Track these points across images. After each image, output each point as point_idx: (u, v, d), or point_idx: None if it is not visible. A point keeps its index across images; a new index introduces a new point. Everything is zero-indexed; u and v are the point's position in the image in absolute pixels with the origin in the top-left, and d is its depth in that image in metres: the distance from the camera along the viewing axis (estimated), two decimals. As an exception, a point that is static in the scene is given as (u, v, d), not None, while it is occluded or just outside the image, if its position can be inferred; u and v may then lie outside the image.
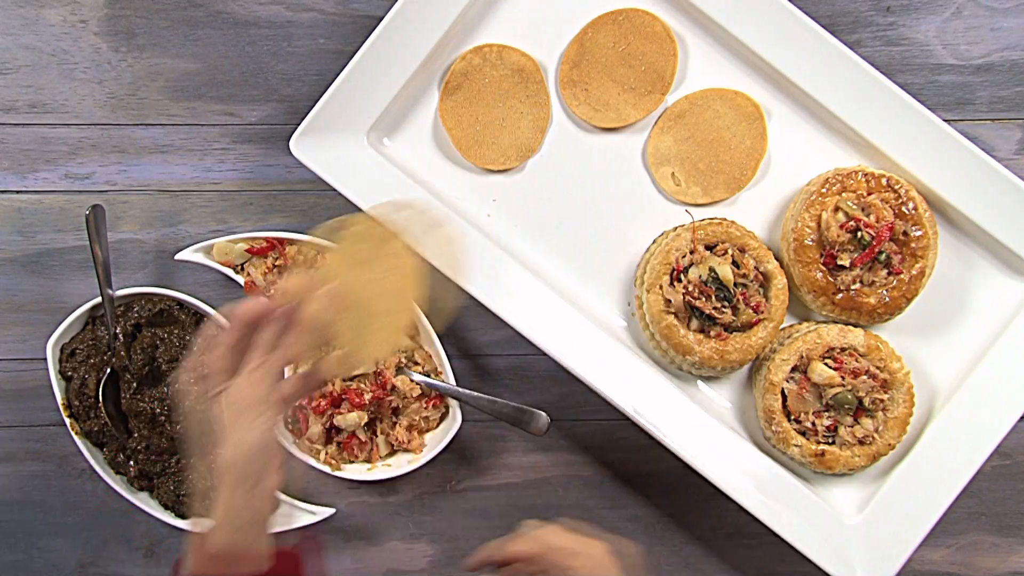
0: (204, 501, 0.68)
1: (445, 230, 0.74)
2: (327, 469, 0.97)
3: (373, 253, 0.73)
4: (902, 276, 0.92)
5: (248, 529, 0.68)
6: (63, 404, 0.97)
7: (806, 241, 0.92)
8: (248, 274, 0.97)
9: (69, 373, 0.97)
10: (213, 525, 0.67)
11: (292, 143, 0.94)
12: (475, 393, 0.95)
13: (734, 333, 0.93)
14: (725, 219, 0.95)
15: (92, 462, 0.96)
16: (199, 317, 0.99)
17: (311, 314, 0.69)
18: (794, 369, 0.93)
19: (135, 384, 0.97)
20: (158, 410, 0.96)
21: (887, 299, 0.93)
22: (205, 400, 0.68)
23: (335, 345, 0.72)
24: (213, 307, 0.97)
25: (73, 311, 0.96)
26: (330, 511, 0.98)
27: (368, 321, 0.71)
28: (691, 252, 0.93)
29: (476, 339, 1.02)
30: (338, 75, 0.93)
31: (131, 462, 0.97)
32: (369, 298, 0.72)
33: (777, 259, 0.95)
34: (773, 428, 0.93)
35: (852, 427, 0.92)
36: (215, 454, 0.67)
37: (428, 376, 0.97)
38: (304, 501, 0.99)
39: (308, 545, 0.77)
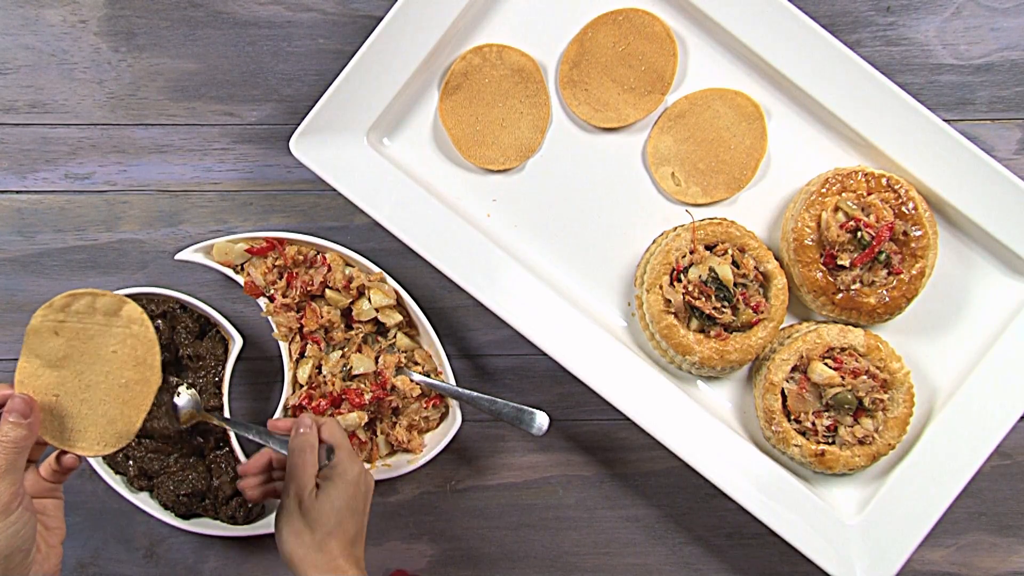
0: None
1: (130, 305, 0.75)
2: (327, 469, 0.97)
3: (105, 324, 0.74)
4: (902, 276, 0.92)
5: None
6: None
7: (806, 241, 0.92)
8: (248, 274, 0.97)
9: (69, 373, 0.97)
10: None
11: (292, 143, 0.94)
12: (475, 393, 0.95)
13: (734, 333, 0.93)
14: (725, 219, 0.95)
15: (92, 462, 0.96)
16: (200, 317, 0.99)
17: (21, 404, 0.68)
18: (794, 369, 0.93)
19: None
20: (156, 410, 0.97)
21: (887, 299, 0.93)
22: None
23: (75, 424, 0.72)
24: (213, 307, 0.97)
25: (73, 311, 0.96)
26: (330, 511, 0.98)
27: (112, 393, 0.73)
28: (691, 252, 0.93)
29: (476, 339, 1.02)
30: (338, 75, 0.93)
31: (130, 462, 0.97)
32: (108, 371, 0.73)
33: (777, 259, 0.95)
34: (773, 428, 0.93)
35: (852, 427, 0.92)
36: None
37: (428, 376, 0.97)
38: (304, 501, 0.99)
39: None
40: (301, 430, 0.81)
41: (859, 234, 0.91)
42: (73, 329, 0.73)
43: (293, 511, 0.78)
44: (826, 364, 0.92)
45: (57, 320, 0.73)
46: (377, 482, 1.00)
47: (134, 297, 0.98)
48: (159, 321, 0.97)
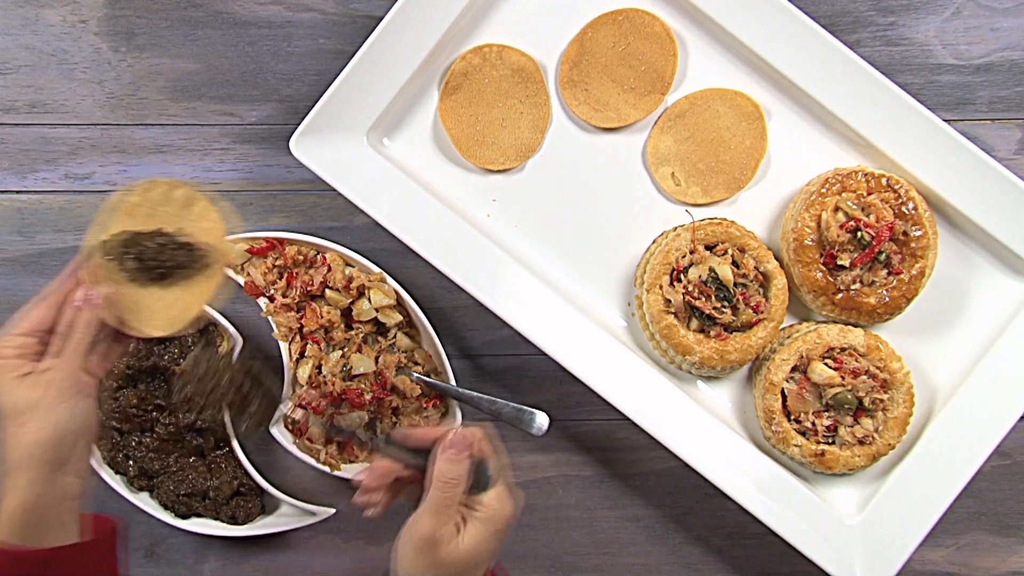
0: None
1: (203, 202, 0.76)
2: (327, 469, 0.96)
3: (176, 215, 0.74)
4: (902, 276, 0.92)
5: (48, 511, 0.67)
6: None
7: (806, 241, 0.92)
8: (248, 274, 0.97)
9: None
10: (2, 518, 0.66)
11: (292, 143, 0.94)
12: (475, 393, 0.95)
13: (734, 333, 0.93)
14: (725, 219, 0.95)
15: (92, 462, 0.96)
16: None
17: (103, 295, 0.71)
18: (794, 369, 0.93)
19: (135, 383, 0.97)
20: (155, 410, 0.97)
21: (887, 299, 0.93)
22: (9, 380, 0.68)
23: (137, 311, 0.74)
24: (213, 307, 0.97)
25: (73, 311, 0.96)
26: (330, 511, 0.98)
27: (174, 280, 0.74)
28: (691, 252, 0.93)
29: (476, 339, 1.02)
30: (338, 75, 0.93)
31: (130, 461, 0.97)
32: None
33: (777, 259, 0.95)
34: (773, 428, 0.93)
35: (852, 427, 0.92)
36: (9, 436, 0.66)
37: (428, 376, 0.97)
38: (304, 501, 0.99)
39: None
40: (453, 452, 0.69)
41: (859, 234, 0.91)
42: (146, 215, 0.74)
43: (424, 550, 0.68)
44: (826, 364, 0.92)
45: (133, 203, 0.74)
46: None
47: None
48: None
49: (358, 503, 0.77)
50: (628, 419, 0.93)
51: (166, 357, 0.97)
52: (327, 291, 0.96)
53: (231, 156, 1.02)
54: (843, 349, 0.93)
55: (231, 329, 0.96)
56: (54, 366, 0.68)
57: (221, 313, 0.97)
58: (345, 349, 0.97)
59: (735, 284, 0.92)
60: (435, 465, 0.70)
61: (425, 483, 0.71)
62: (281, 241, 0.97)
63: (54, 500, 0.68)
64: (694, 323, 0.93)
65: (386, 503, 0.77)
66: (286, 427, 0.98)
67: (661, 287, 0.93)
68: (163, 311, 0.74)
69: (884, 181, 0.93)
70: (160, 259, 0.73)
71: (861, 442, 0.92)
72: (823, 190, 0.93)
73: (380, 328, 0.98)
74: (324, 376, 0.96)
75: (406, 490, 0.77)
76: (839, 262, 0.92)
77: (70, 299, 0.70)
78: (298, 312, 0.97)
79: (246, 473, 0.98)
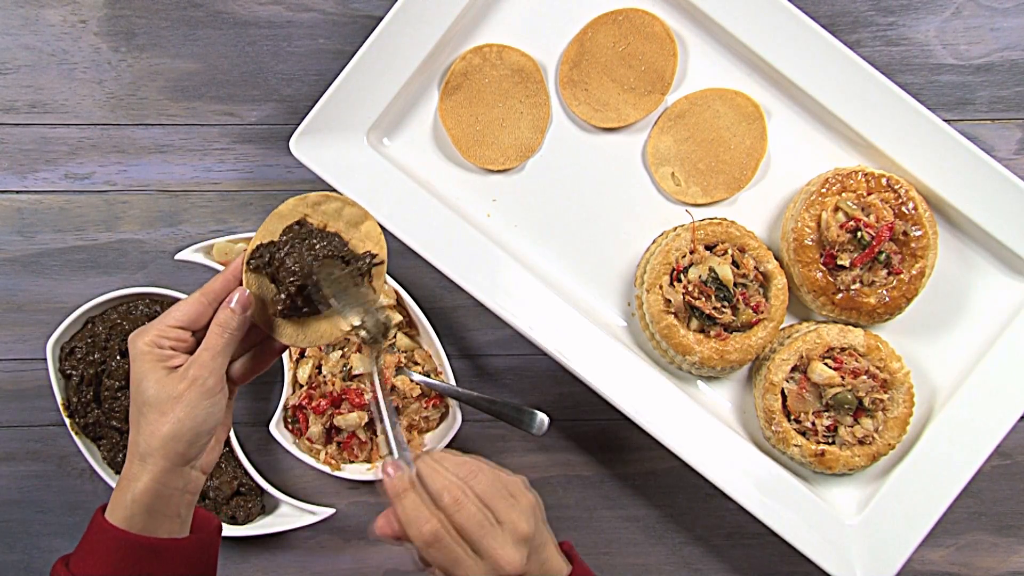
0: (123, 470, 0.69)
1: (371, 222, 0.74)
2: (327, 469, 0.97)
3: (344, 231, 0.73)
4: (902, 276, 0.92)
5: (169, 502, 0.68)
6: (63, 404, 0.97)
7: (806, 241, 0.92)
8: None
9: (68, 371, 0.97)
10: (125, 500, 0.67)
11: (292, 143, 0.94)
12: (475, 393, 0.95)
13: (734, 333, 0.93)
14: (725, 219, 0.95)
15: (92, 462, 0.96)
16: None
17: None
18: (794, 369, 0.93)
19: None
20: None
21: (887, 299, 0.93)
22: (158, 369, 0.68)
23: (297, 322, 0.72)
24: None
25: (73, 311, 0.96)
26: (330, 511, 0.98)
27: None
28: (691, 252, 0.93)
29: (476, 339, 1.02)
30: (338, 75, 0.93)
31: (131, 462, 0.97)
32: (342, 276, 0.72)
33: (777, 259, 0.95)
34: (773, 428, 0.93)
35: (852, 427, 0.92)
36: (145, 424, 0.68)
37: (428, 376, 0.97)
38: (304, 501, 0.99)
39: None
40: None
41: (859, 234, 0.91)
42: (317, 224, 0.73)
43: None
44: (826, 364, 0.92)
45: (303, 214, 0.73)
46: (377, 482, 1.00)
47: (135, 297, 0.98)
48: None
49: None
50: (628, 419, 0.93)
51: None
52: (327, 291, 0.96)
53: (231, 156, 1.02)
54: (843, 349, 0.93)
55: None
56: (202, 363, 0.68)
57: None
58: (345, 349, 0.97)
59: (735, 284, 0.92)
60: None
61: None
62: (281, 241, 0.97)
63: (176, 492, 0.69)
64: (694, 323, 0.93)
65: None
66: (286, 427, 0.98)
67: (661, 287, 0.93)
68: (311, 325, 0.73)
69: (884, 181, 0.93)
70: (322, 273, 0.71)
71: (861, 442, 0.92)
72: (823, 190, 0.93)
73: (380, 328, 0.98)
74: (324, 376, 0.96)
75: None
76: (839, 262, 0.92)
77: (227, 300, 0.70)
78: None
79: (246, 473, 0.98)
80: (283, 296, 0.71)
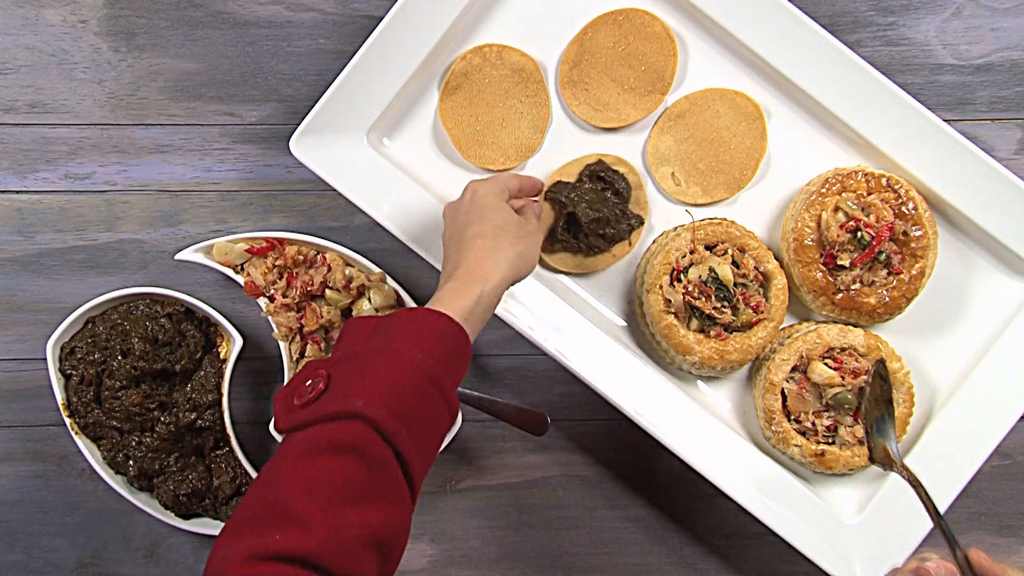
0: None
1: (643, 191, 0.97)
2: (327, 469, 0.96)
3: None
4: (902, 276, 0.92)
5: (482, 318, 0.75)
6: (63, 404, 0.97)
7: (806, 241, 0.92)
8: (248, 274, 0.97)
9: (68, 371, 0.97)
10: (466, 303, 0.73)
11: (292, 143, 0.94)
12: (475, 393, 0.95)
13: (734, 333, 0.93)
14: (725, 219, 0.95)
15: (92, 462, 0.96)
16: (200, 317, 0.99)
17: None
18: (794, 369, 0.93)
19: (138, 383, 0.97)
20: (157, 410, 0.97)
21: (887, 299, 0.93)
22: (509, 208, 0.82)
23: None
24: (213, 307, 0.97)
25: (73, 311, 0.96)
26: (330, 511, 0.98)
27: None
28: (691, 252, 0.93)
29: (476, 339, 1.02)
30: (338, 75, 0.93)
31: (131, 462, 0.97)
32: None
33: (777, 259, 0.95)
34: (773, 428, 0.93)
35: (852, 427, 0.92)
36: (502, 241, 0.78)
37: (428, 376, 0.97)
38: (304, 501, 0.99)
39: None
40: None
41: (859, 234, 0.91)
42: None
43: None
44: (826, 364, 0.92)
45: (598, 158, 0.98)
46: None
47: (135, 297, 0.98)
48: (164, 320, 0.97)
49: None
50: (628, 419, 0.93)
51: (173, 361, 0.97)
52: (327, 291, 0.96)
53: (231, 156, 1.02)
54: (843, 349, 0.93)
55: (231, 329, 0.96)
56: (538, 219, 0.89)
57: (221, 313, 0.97)
58: (345, 349, 0.97)
59: (735, 284, 0.92)
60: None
61: None
62: (281, 241, 0.97)
63: (494, 307, 0.76)
64: (694, 323, 0.93)
65: None
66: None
67: (661, 287, 0.93)
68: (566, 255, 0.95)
69: (884, 181, 0.93)
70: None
71: (861, 442, 0.92)
72: (823, 190, 0.93)
73: (380, 328, 0.98)
74: (324, 376, 0.96)
75: None
76: (839, 262, 0.92)
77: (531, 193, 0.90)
78: (298, 312, 0.97)
79: (246, 473, 0.98)
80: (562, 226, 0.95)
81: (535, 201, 0.91)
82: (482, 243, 0.77)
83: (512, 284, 0.78)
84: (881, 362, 0.89)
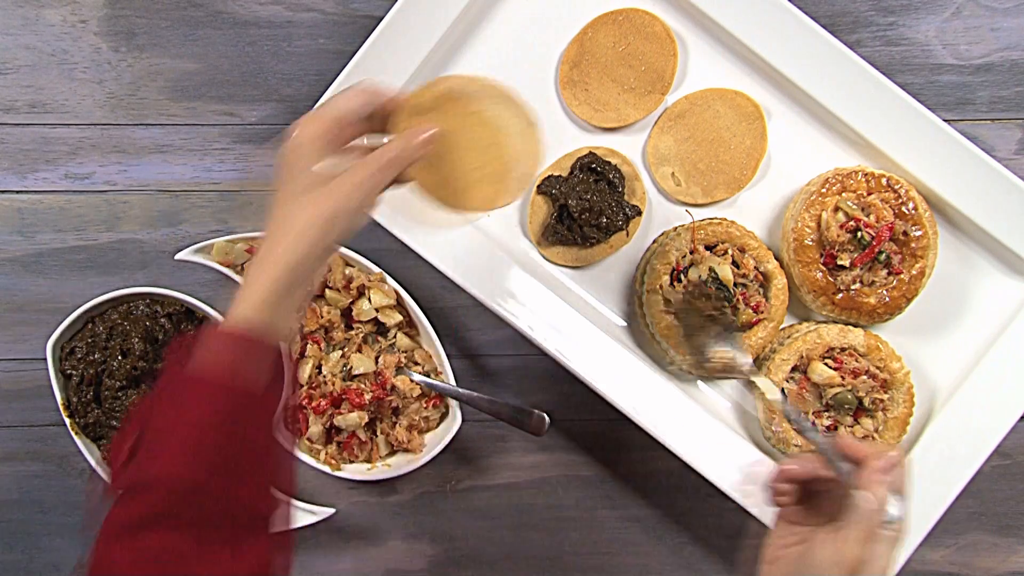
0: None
1: (641, 183, 0.91)
2: (327, 469, 0.97)
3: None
4: (902, 276, 0.92)
5: (289, 301, 0.64)
6: (63, 404, 0.97)
7: (806, 241, 0.92)
8: (248, 274, 0.97)
9: (68, 371, 0.97)
10: (261, 286, 0.63)
11: (292, 143, 0.93)
12: (475, 393, 0.95)
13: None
14: (725, 219, 0.95)
15: (92, 462, 0.96)
16: (200, 317, 0.99)
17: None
18: (794, 369, 0.93)
19: (138, 383, 0.97)
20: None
21: (887, 299, 0.93)
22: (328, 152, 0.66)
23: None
24: (213, 307, 0.97)
25: (73, 311, 0.96)
26: (330, 511, 0.98)
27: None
28: (691, 252, 0.93)
29: (476, 339, 1.02)
30: (338, 75, 0.93)
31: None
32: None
33: (777, 259, 0.95)
34: (773, 428, 0.93)
35: (852, 427, 0.92)
36: (308, 202, 0.64)
37: (428, 376, 0.97)
38: (304, 501, 0.99)
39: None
40: (882, 477, 0.67)
41: (859, 234, 0.91)
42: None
43: (850, 571, 0.66)
44: (826, 364, 0.92)
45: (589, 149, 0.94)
46: (377, 482, 1.00)
47: (135, 297, 0.98)
48: (164, 320, 0.97)
49: (774, 487, 0.74)
50: (628, 419, 0.93)
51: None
52: (327, 291, 0.96)
53: (231, 156, 1.02)
54: (843, 349, 0.93)
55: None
56: (362, 167, 0.65)
57: (221, 313, 0.97)
58: (345, 349, 0.97)
59: (735, 284, 0.92)
60: (870, 487, 0.66)
61: (846, 499, 0.68)
62: (281, 241, 0.97)
63: (304, 279, 0.65)
64: (694, 323, 0.93)
65: (791, 501, 0.75)
66: (286, 427, 0.98)
67: (661, 287, 0.93)
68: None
69: (884, 181, 0.93)
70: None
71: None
72: (823, 190, 0.93)
73: (380, 328, 0.98)
74: (324, 376, 0.96)
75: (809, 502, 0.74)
76: (839, 262, 0.92)
77: (423, 131, 0.68)
78: (298, 312, 0.96)
79: (246, 473, 0.98)
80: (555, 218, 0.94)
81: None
82: (280, 212, 0.65)
83: (331, 249, 0.66)
84: (711, 270, 0.90)
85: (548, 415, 0.94)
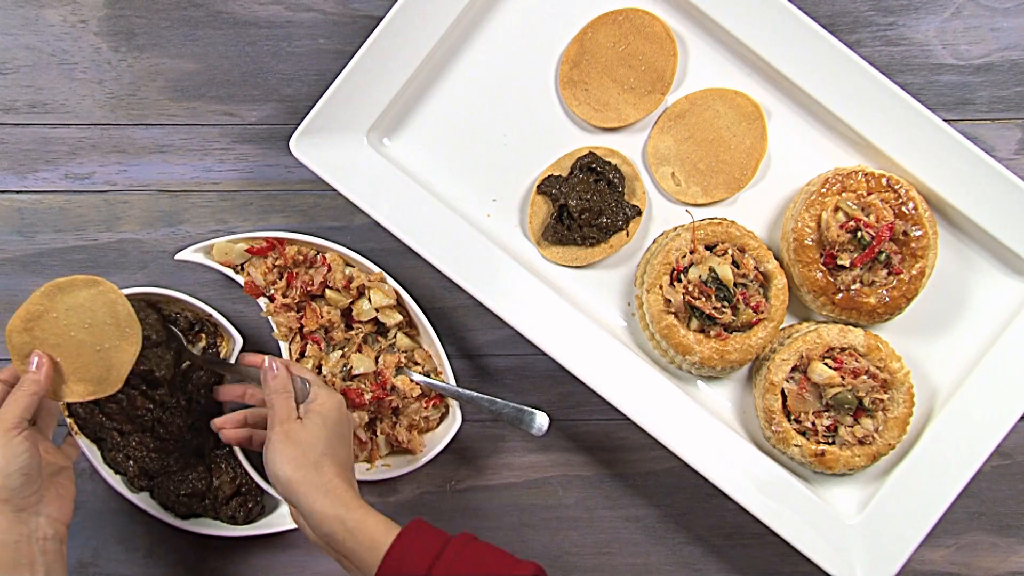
0: None
1: (641, 183, 0.95)
2: (327, 469, 0.96)
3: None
4: (902, 276, 0.92)
5: (18, 550, 0.76)
6: (63, 404, 0.96)
7: (806, 241, 0.93)
8: (248, 274, 0.97)
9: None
10: None
11: (292, 143, 0.94)
12: (475, 393, 0.95)
13: (734, 333, 0.93)
14: (725, 219, 0.95)
15: (92, 462, 0.96)
16: (200, 317, 0.99)
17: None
18: (794, 369, 0.93)
19: (134, 383, 0.97)
20: (157, 410, 0.97)
21: (887, 299, 0.93)
22: None
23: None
24: (213, 307, 0.97)
25: (73, 311, 0.96)
26: (330, 511, 0.98)
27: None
28: (691, 252, 0.93)
29: (476, 339, 1.02)
30: (338, 75, 0.93)
31: (131, 462, 0.97)
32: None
33: (777, 259, 0.95)
34: (773, 428, 0.93)
35: (852, 427, 0.92)
36: None
37: (428, 376, 0.97)
38: (304, 501, 0.99)
39: None
40: (273, 372, 0.86)
41: (859, 234, 0.91)
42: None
43: (282, 439, 0.80)
44: (826, 364, 0.92)
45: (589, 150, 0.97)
46: (377, 482, 1.00)
47: (135, 297, 0.98)
48: (163, 320, 0.97)
49: (215, 425, 0.92)
50: (628, 419, 0.93)
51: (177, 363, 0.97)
52: (327, 291, 0.96)
53: (231, 156, 1.02)
54: (843, 349, 0.93)
55: (231, 329, 0.96)
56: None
57: (221, 313, 0.97)
58: (345, 349, 0.97)
59: (735, 284, 0.92)
60: (267, 384, 0.85)
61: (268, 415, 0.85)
62: (281, 241, 0.97)
63: (23, 540, 0.76)
64: (694, 323, 0.93)
65: (240, 435, 0.91)
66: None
67: (661, 287, 0.93)
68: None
69: (884, 181, 0.93)
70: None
71: (861, 442, 0.92)
72: (823, 190, 0.93)
73: (380, 328, 0.98)
74: (324, 376, 0.96)
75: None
76: (839, 262, 0.92)
77: (32, 364, 0.82)
78: (298, 312, 0.97)
79: (246, 473, 0.98)
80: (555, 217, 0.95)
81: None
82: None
83: (24, 507, 0.79)
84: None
85: (548, 415, 0.94)
